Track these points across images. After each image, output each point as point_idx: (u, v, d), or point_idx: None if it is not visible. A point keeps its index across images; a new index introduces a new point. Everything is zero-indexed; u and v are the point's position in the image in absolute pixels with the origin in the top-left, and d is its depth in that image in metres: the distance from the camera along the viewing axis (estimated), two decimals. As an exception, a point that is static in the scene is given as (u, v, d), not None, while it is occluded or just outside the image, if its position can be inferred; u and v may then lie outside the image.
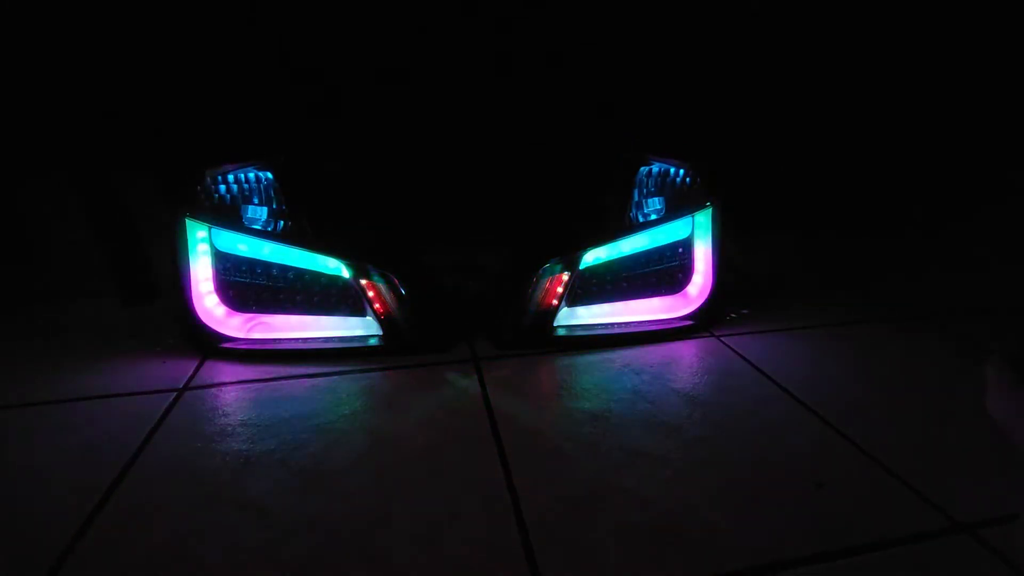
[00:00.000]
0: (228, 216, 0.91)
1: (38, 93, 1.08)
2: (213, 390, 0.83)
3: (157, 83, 1.13)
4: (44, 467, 0.66)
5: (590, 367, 0.90)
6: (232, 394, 0.82)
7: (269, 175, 0.93)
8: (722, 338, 0.98)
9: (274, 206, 0.94)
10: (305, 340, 0.95)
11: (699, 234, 1.02)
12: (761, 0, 1.24)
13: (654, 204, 1.00)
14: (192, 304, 0.92)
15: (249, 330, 0.97)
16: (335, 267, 0.93)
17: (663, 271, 1.03)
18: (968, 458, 0.67)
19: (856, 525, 0.57)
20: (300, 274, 0.94)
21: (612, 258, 0.99)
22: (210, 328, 0.93)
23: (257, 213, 0.93)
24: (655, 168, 1.01)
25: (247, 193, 0.93)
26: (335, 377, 0.87)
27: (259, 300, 0.95)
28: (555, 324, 0.97)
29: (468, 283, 1.14)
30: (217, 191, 0.91)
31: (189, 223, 0.90)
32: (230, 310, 0.96)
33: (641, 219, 0.99)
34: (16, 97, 1.09)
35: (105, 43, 1.08)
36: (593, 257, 0.98)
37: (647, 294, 1.03)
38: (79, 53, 1.05)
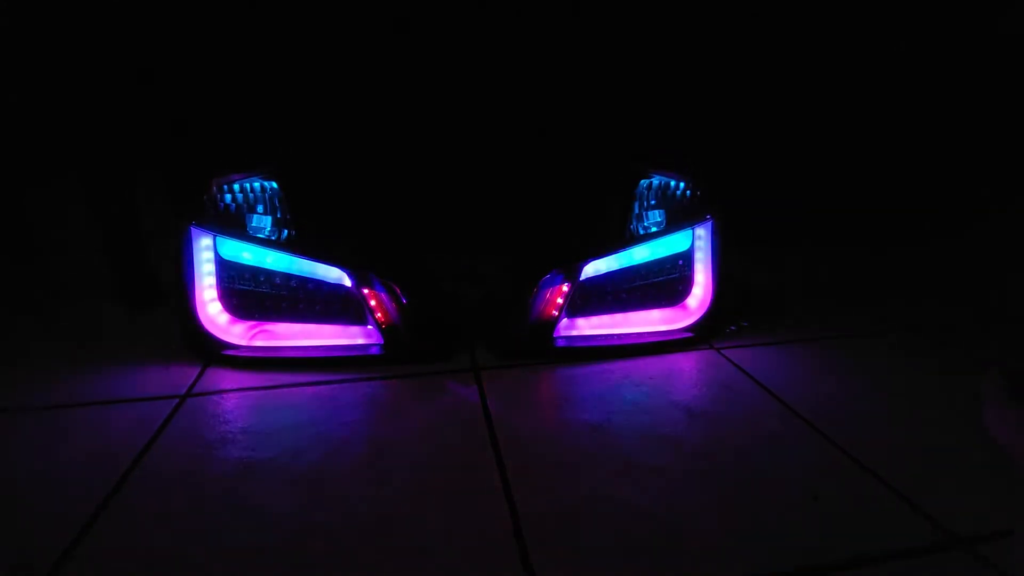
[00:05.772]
0: (233, 225, 0.92)
1: (56, 98, 1.09)
2: (215, 397, 0.83)
3: (173, 94, 1.15)
4: (44, 472, 0.67)
5: (589, 378, 0.90)
6: (234, 401, 0.83)
7: (274, 184, 0.95)
8: (721, 350, 0.99)
9: (278, 215, 0.95)
10: (307, 348, 0.95)
11: (699, 247, 1.03)
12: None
13: (654, 216, 1.00)
14: (195, 311, 0.92)
15: (251, 338, 0.97)
16: (337, 276, 0.94)
17: (663, 283, 1.03)
18: (966, 473, 0.67)
19: (852, 538, 0.57)
20: (303, 282, 0.95)
21: (612, 269, 1.00)
22: (213, 335, 0.93)
23: (261, 222, 0.94)
24: (655, 181, 1.02)
25: (252, 202, 0.94)
26: (336, 385, 0.87)
27: (262, 308, 0.96)
28: (555, 335, 0.97)
29: (469, 292, 1.14)
30: (223, 200, 0.92)
31: (195, 231, 0.91)
32: (233, 318, 0.97)
33: (641, 231, 1.00)
34: (30, 101, 1.10)
35: (119, 47, 1.10)
36: (593, 268, 0.98)
37: (647, 306, 1.04)
38: (92, 57, 1.07)
